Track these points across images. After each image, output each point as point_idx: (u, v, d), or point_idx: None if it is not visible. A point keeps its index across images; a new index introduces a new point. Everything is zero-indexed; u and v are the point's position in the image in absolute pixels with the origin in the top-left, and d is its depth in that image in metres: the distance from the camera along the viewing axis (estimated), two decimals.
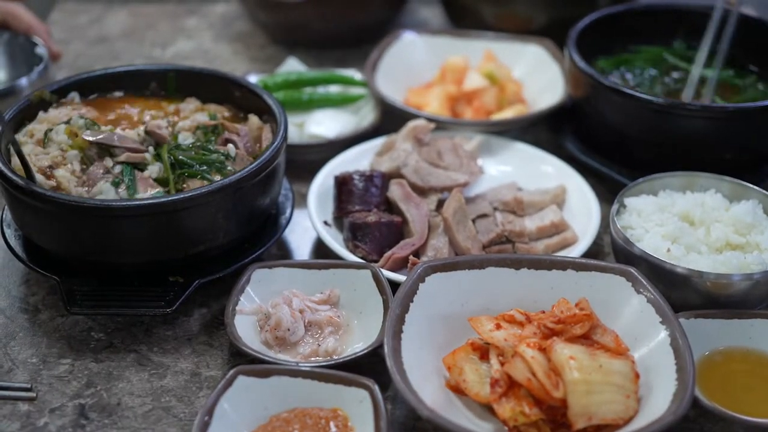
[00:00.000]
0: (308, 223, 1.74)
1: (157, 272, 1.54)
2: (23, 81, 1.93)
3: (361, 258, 1.63)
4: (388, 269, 1.59)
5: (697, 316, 1.46)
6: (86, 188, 1.52)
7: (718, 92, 1.95)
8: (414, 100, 2.09)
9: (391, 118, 2.00)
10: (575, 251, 1.65)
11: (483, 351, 1.39)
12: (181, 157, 1.57)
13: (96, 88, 1.77)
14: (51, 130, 1.61)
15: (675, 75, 2.01)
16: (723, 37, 1.88)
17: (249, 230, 1.62)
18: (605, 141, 1.92)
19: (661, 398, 1.29)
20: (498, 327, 1.38)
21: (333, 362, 1.41)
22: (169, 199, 1.46)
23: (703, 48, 1.91)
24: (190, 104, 1.76)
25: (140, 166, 1.56)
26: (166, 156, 1.57)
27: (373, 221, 1.66)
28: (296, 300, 1.52)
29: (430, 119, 1.93)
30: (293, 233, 1.79)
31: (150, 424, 1.38)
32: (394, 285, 1.50)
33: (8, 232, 1.62)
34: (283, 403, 1.33)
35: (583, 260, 1.50)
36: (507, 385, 1.31)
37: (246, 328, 1.48)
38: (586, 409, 1.26)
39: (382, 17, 2.47)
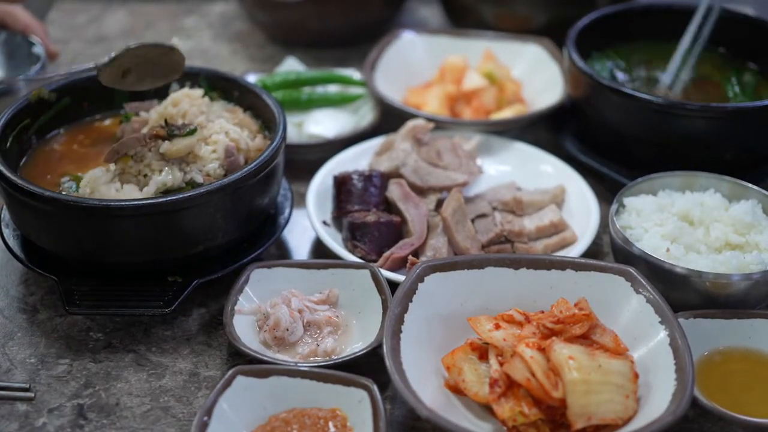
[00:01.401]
0: (307, 222, 1.74)
1: (155, 272, 1.54)
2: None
3: (360, 258, 1.63)
4: (387, 269, 1.59)
5: (697, 315, 1.46)
6: None
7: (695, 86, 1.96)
8: (413, 99, 2.09)
9: (390, 118, 2.00)
10: (574, 251, 1.65)
11: (482, 351, 1.38)
12: None
13: (94, 87, 1.77)
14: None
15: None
16: (702, 31, 1.91)
17: (248, 230, 1.62)
18: (604, 141, 1.92)
19: (660, 398, 1.29)
20: (497, 327, 1.37)
21: (332, 362, 1.41)
22: (168, 199, 1.46)
23: (684, 42, 1.94)
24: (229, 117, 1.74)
25: None
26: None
27: (372, 221, 1.66)
28: (295, 300, 1.51)
29: (429, 119, 1.92)
30: (292, 233, 1.79)
31: (149, 424, 1.38)
32: (393, 285, 1.50)
33: (7, 232, 1.62)
34: (282, 403, 1.33)
35: (583, 260, 1.50)
36: (506, 385, 1.31)
37: (245, 328, 1.48)
38: (586, 408, 1.26)
39: (381, 17, 2.46)
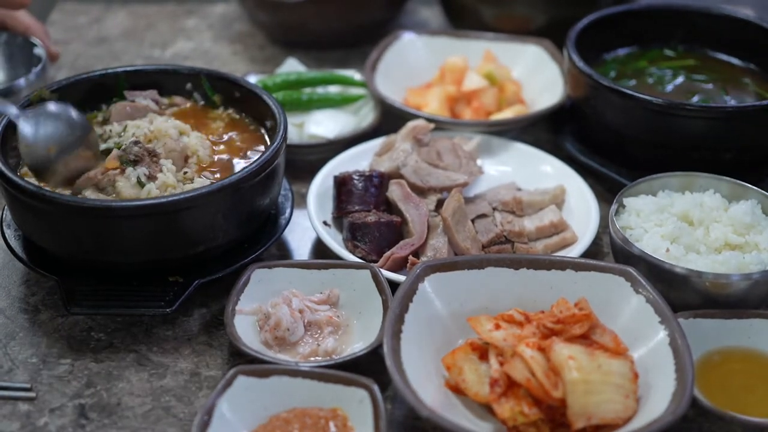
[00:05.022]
0: (308, 223, 1.74)
1: (156, 272, 1.54)
2: (21, 81, 1.93)
3: (361, 258, 1.64)
4: (387, 269, 1.60)
5: (696, 315, 1.46)
6: None
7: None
8: (413, 100, 2.09)
9: (390, 119, 2.00)
10: (574, 251, 1.66)
11: (482, 351, 1.39)
12: None
13: (96, 88, 1.78)
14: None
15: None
16: None
17: (249, 230, 1.62)
18: (604, 141, 1.92)
19: (660, 398, 1.29)
20: (497, 327, 1.38)
21: (332, 362, 1.41)
22: (169, 199, 1.47)
23: None
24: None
25: None
26: None
27: (372, 221, 1.66)
28: (296, 300, 1.52)
29: (429, 119, 1.93)
30: (293, 233, 1.79)
31: (150, 424, 1.38)
32: (394, 285, 1.51)
33: (8, 233, 1.63)
34: (283, 403, 1.33)
35: (583, 260, 1.50)
36: (506, 384, 1.31)
37: (246, 328, 1.48)
38: (585, 408, 1.27)
39: (381, 17, 2.47)
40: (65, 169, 1.55)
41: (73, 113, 1.58)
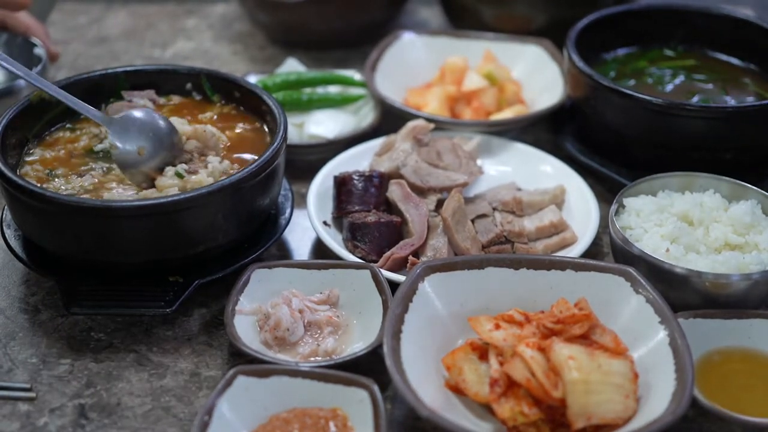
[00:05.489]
0: (308, 223, 1.74)
1: (156, 272, 1.54)
2: (21, 81, 1.93)
3: (361, 258, 1.64)
4: (387, 269, 1.60)
5: (696, 315, 1.46)
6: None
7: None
8: (413, 100, 2.09)
9: (390, 119, 2.00)
10: (574, 251, 1.66)
11: (482, 351, 1.39)
12: None
13: (95, 88, 1.78)
14: None
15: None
16: None
17: (249, 230, 1.62)
18: (604, 141, 1.92)
19: (660, 398, 1.29)
20: (497, 327, 1.38)
21: (332, 362, 1.41)
22: (169, 199, 1.47)
23: None
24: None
25: None
26: None
27: (372, 221, 1.66)
28: (296, 300, 1.52)
29: (429, 119, 1.93)
30: (293, 233, 1.79)
31: (150, 424, 1.38)
32: (394, 285, 1.51)
33: (8, 233, 1.63)
34: (283, 403, 1.33)
35: (582, 260, 1.50)
36: (506, 385, 1.31)
37: (245, 328, 1.48)
38: (585, 408, 1.27)
39: (381, 17, 2.47)
40: (152, 171, 1.58)
41: (160, 119, 1.62)
